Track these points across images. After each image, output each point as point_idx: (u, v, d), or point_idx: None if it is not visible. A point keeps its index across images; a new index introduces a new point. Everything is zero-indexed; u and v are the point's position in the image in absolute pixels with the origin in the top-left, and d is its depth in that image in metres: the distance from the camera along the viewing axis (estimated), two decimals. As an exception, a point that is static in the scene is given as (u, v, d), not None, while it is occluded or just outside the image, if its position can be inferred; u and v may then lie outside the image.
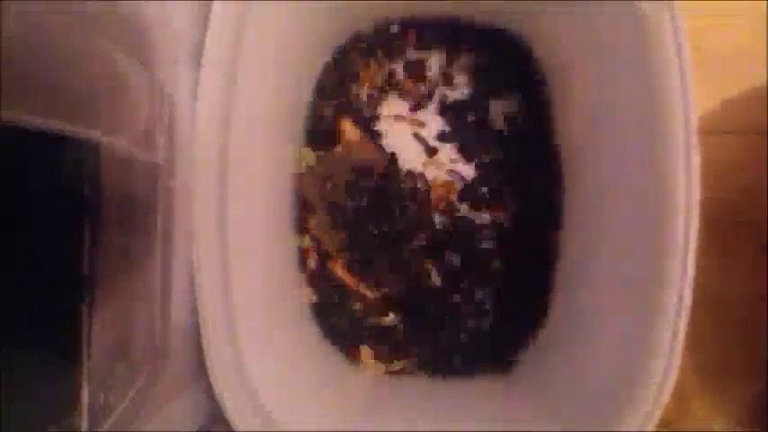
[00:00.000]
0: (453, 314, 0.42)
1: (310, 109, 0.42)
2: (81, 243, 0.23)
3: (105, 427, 0.24)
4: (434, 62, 0.43)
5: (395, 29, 0.42)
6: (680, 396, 0.30)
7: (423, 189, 0.42)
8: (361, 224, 0.42)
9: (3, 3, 0.18)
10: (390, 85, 0.42)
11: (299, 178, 0.41)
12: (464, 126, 0.42)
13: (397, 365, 0.41)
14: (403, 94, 0.42)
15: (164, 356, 0.30)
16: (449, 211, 0.42)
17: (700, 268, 0.29)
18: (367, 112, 0.42)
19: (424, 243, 0.42)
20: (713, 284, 0.32)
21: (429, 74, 0.43)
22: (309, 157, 0.41)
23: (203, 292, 0.29)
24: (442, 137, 0.42)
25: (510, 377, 0.39)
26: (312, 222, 0.41)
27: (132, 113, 0.27)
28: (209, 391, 0.29)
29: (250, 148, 0.32)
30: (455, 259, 0.42)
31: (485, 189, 0.42)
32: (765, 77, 0.42)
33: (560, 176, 0.40)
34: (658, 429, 0.29)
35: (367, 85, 0.42)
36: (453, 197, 0.42)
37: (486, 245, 0.42)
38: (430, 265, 0.42)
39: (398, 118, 0.42)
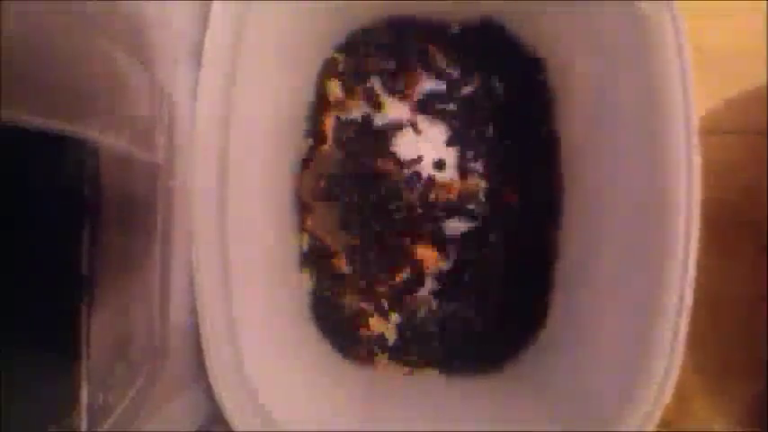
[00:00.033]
0: (453, 314, 0.42)
1: (310, 109, 0.42)
2: (81, 243, 0.23)
3: (105, 427, 0.24)
4: (434, 62, 0.43)
5: (395, 28, 0.42)
6: (680, 396, 0.30)
7: (422, 188, 0.42)
8: (360, 222, 0.42)
9: (3, 3, 0.18)
10: (390, 84, 0.42)
11: (299, 178, 0.41)
12: (463, 126, 0.42)
13: (398, 365, 0.41)
14: (403, 94, 0.42)
15: (163, 356, 0.30)
16: (449, 210, 0.42)
17: (700, 268, 0.29)
18: (367, 112, 0.42)
19: (424, 242, 0.42)
20: (713, 284, 0.32)
21: (428, 74, 0.43)
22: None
23: (203, 292, 0.29)
24: (442, 137, 0.42)
25: (510, 377, 0.39)
26: (310, 221, 0.41)
27: (132, 113, 0.27)
28: (208, 391, 0.29)
29: (250, 148, 0.32)
30: (455, 258, 0.42)
31: (484, 189, 0.42)
32: (765, 77, 0.42)
33: (560, 176, 0.40)
34: (659, 429, 0.29)
35: (367, 84, 0.42)
36: (453, 197, 0.42)
37: (485, 244, 0.42)
38: (430, 265, 0.42)
39: (398, 117, 0.42)
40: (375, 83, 0.42)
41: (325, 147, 0.42)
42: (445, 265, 0.42)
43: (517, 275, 0.41)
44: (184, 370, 0.31)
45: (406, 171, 0.42)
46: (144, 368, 0.28)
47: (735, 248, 0.43)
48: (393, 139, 0.42)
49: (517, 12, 0.40)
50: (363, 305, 0.42)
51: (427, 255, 0.42)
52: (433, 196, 0.42)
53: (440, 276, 0.42)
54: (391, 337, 0.41)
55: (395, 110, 0.42)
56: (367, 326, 0.41)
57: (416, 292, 0.42)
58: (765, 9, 0.43)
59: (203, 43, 0.29)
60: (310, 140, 0.42)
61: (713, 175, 0.30)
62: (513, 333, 0.40)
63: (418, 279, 0.42)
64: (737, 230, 0.43)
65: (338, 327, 0.41)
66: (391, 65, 0.42)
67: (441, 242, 0.42)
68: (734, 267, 0.42)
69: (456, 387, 0.39)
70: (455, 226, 0.42)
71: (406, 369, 0.41)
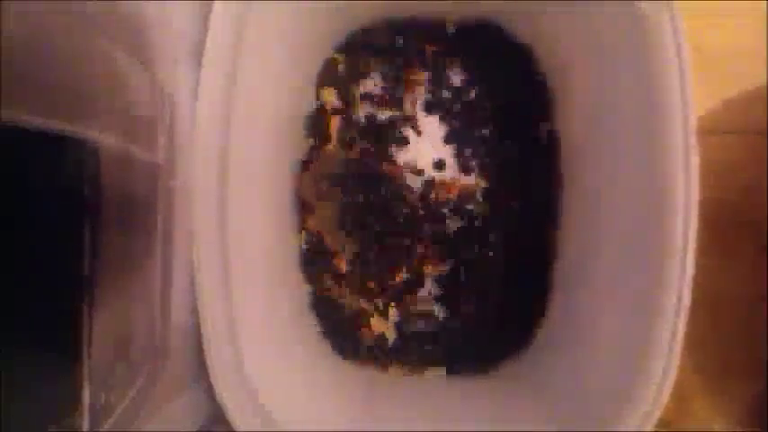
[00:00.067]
0: (453, 314, 0.42)
1: (313, 109, 0.42)
2: (81, 243, 0.23)
3: (106, 427, 0.24)
4: (434, 62, 0.43)
5: (395, 28, 0.42)
6: (680, 396, 0.30)
7: (422, 189, 0.42)
8: (361, 222, 0.42)
9: (3, 3, 0.18)
10: (390, 85, 0.42)
11: (299, 178, 0.41)
12: (463, 126, 0.42)
13: (398, 365, 0.41)
14: (402, 94, 0.42)
15: (164, 356, 0.30)
16: (448, 210, 0.42)
17: (699, 268, 0.29)
18: (367, 112, 0.42)
19: (424, 242, 0.42)
20: (713, 284, 0.32)
21: (428, 74, 0.43)
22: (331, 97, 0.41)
23: (203, 292, 0.29)
24: (442, 137, 0.42)
25: (509, 377, 0.39)
26: (311, 222, 0.41)
27: (133, 113, 0.27)
28: (209, 391, 0.29)
29: (250, 147, 0.32)
30: (454, 258, 0.42)
31: (484, 189, 0.42)
32: (765, 77, 0.42)
33: (560, 176, 0.40)
34: (658, 429, 0.29)
35: (367, 84, 0.42)
36: (453, 197, 0.42)
37: (485, 244, 0.42)
38: (430, 265, 0.42)
39: (398, 117, 0.42)
40: (375, 83, 0.42)
41: (330, 147, 0.42)
42: (445, 266, 0.42)
43: (516, 275, 0.41)
44: (185, 370, 0.31)
45: (406, 171, 0.42)
46: (145, 368, 0.28)
47: (734, 248, 0.43)
48: (393, 139, 0.42)
49: (517, 12, 0.40)
50: (363, 305, 0.42)
51: (427, 255, 0.42)
52: (433, 196, 0.42)
53: (440, 276, 0.42)
54: (391, 336, 0.42)
55: (395, 110, 0.42)
56: (367, 326, 0.41)
57: (416, 292, 0.42)
58: (765, 9, 0.43)
59: (204, 43, 0.29)
60: (311, 140, 0.42)
61: (713, 175, 0.30)
62: (512, 333, 0.40)
63: (418, 279, 0.42)
64: (737, 230, 0.43)
65: (338, 327, 0.41)
66: (391, 65, 0.42)
67: (441, 242, 0.42)
68: (733, 267, 0.42)
69: (456, 387, 0.39)
70: (455, 226, 0.42)
71: (406, 369, 0.41)
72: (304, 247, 0.41)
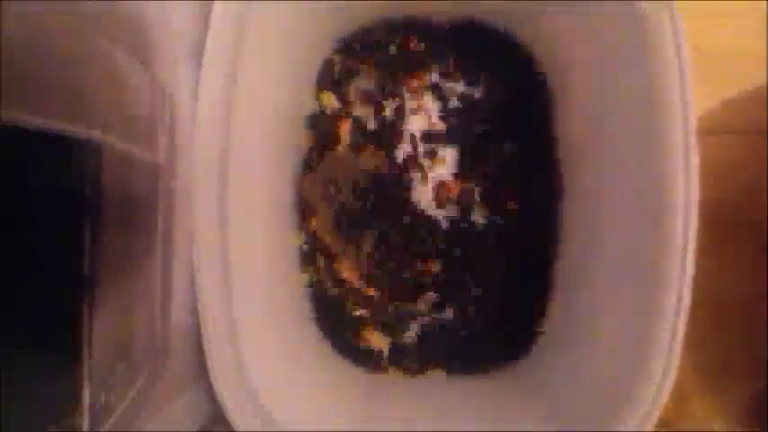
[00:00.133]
0: (453, 314, 0.42)
1: (311, 109, 0.42)
2: (82, 243, 0.23)
3: (106, 427, 0.24)
4: (433, 62, 0.43)
5: (394, 28, 0.42)
6: (679, 396, 0.30)
7: (424, 190, 0.42)
8: (364, 225, 0.42)
9: (3, 3, 0.18)
10: (390, 85, 0.42)
11: (300, 179, 0.41)
12: (464, 127, 0.42)
13: (398, 365, 0.41)
14: (402, 95, 0.42)
15: (164, 356, 0.30)
16: (449, 211, 0.42)
17: (699, 268, 0.29)
18: (367, 112, 0.42)
19: (426, 243, 0.42)
20: (713, 284, 0.32)
21: (428, 74, 0.43)
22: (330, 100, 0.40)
23: (204, 292, 0.29)
24: (442, 138, 0.42)
25: (509, 377, 0.39)
26: (314, 223, 0.41)
27: (133, 113, 0.27)
28: (209, 391, 0.29)
29: (251, 147, 0.32)
30: (456, 259, 0.42)
31: (484, 189, 0.42)
32: (765, 77, 0.42)
33: (560, 177, 0.40)
34: (658, 429, 0.29)
35: (366, 84, 0.42)
36: (454, 197, 0.42)
37: (485, 245, 0.42)
38: (431, 265, 0.42)
39: (397, 117, 0.42)
40: (374, 83, 0.42)
41: (339, 149, 0.42)
42: (445, 266, 0.42)
43: (517, 276, 0.41)
44: (185, 370, 0.31)
45: (406, 173, 0.42)
46: (145, 368, 0.28)
47: (734, 248, 0.43)
48: (393, 139, 0.42)
49: (517, 12, 0.40)
50: (363, 305, 0.42)
51: (427, 255, 0.42)
52: (433, 197, 0.42)
53: (440, 277, 0.42)
54: (391, 337, 0.41)
55: (395, 111, 0.42)
56: (367, 326, 0.41)
57: (417, 292, 0.42)
58: (765, 9, 0.43)
59: (204, 43, 0.29)
60: (312, 141, 0.42)
61: (712, 175, 0.30)
62: (513, 333, 0.40)
63: (418, 279, 0.42)
64: (737, 230, 0.43)
65: (338, 327, 0.41)
66: (391, 65, 0.42)
67: (441, 242, 0.42)
68: (733, 267, 0.42)
69: (456, 387, 0.39)
70: (455, 226, 0.42)
71: (407, 369, 0.41)
72: (304, 247, 0.41)
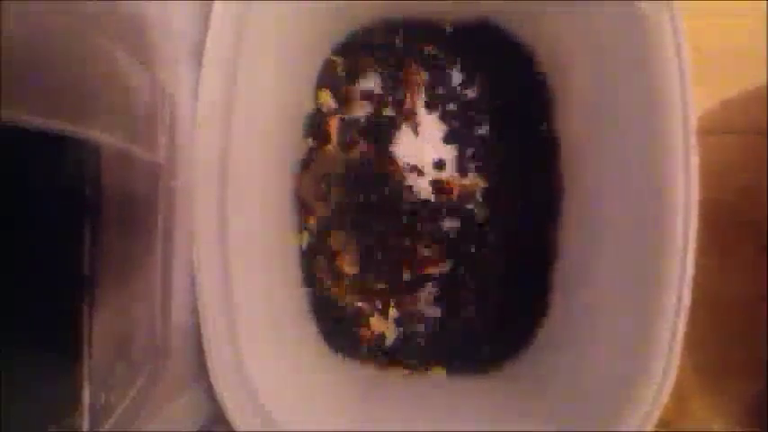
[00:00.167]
0: (453, 314, 0.42)
1: (311, 109, 0.42)
2: (82, 243, 0.23)
3: (106, 427, 0.24)
4: (433, 62, 0.43)
5: (394, 28, 0.42)
6: (679, 396, 0.30)
7: (423, 188, 0.42)
8: (361, 223, 0.42)
9: (3, 3, 0.18)
10: (389, 85, 0.42)
11: (299, 178, 0.41)
12: (463, 126, 0.42)
13: (398, 365, 0.41)
14: (402, 94, 0.42)
15: (164, 356, 0.30)
16: (449, 210, 0.42)
17: (699, 268, 0.29)
18: (366, 112, 0.42)
19: (424, 242, 0.42)
20: (713, 284, 0.32)
21: (428, 74, 0.43)
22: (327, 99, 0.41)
23: (204, 292, 0.29)
24: (442, 138, 0.42)
25: (509, 377, 0.39)
26: (312, 222, 0.41)
27: (133, 113, 0.27)
28: (209, 391, 0.29)
29: (251, 147, 0.32)
30: (455, 258, 0.42)
31: (484, 189, 0.42)
32: (765, 77, 0.42)
33: (560, 176, 0.40)
34: (657, 429, 0.29)
35: (366, 84, 0.42)
36: (453, 197, 0.42)
37: (485, 244, 0.42)
38: (430, 265, 0.42)
39: (397, 117, 0.42)
40: (374, 83, 0.42)
41: (329, 147, 0.42)
42: (445, 266, 0.42)
43: (517, 276, 0.41)
44: (185, 370, 0.31)
45: (406, 172, 0.42)
46: (145, 368, 0.28)
47: (734, 248, 0.43)
48: (393, 140, 0.42)
49: (517, 12, 0.40)
50: (363, 305, 0.42)
51: (427, 255, 0.42)
52: (433, 196, 0.42)
53: (440, 276, 0.42)
54: (391, 336, 0.42)
55: (395, 111, 0.42)
56: (367, 326, 0.41)
57: (416, 292, 0.42)
58: (765, 9, 0.43)
59: (204, 43, 0.29)
60: (310, 140, 0.42)
61: (712, 175, 0.30)
62: (512, 333, 0.40)
63: (418, 279, 0.42)
64: (737, 230, 0.43)
65: (338, 327, 0.41)
66: (390, 65, 0.42)
67: (441, 242, 0.42)
68: (733, 267, 0.42)
69: (456, 387, 0.39)
70: (455, 226, 0.42)
71: (406, 369, 0.41)
72: (304, 247, 0.41)
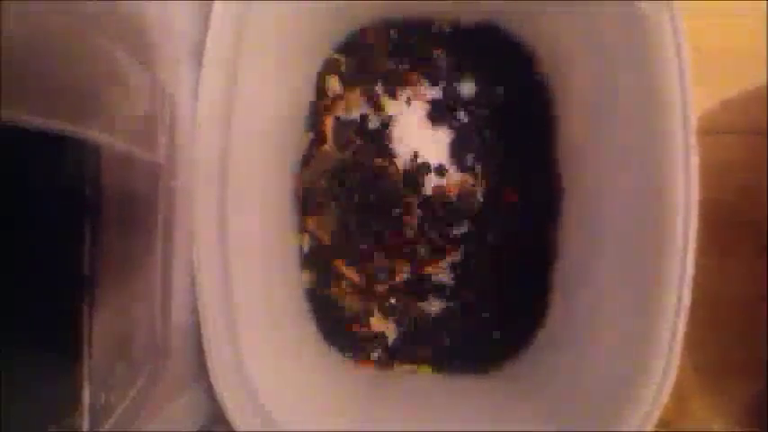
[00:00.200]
0: (453, 314, 0.42)
1: (311, 108, 0.42)
2: (82, 243, 0.23)
3: (106, 427, 0.24)
4: (434, 63, 0.43)
5: (395, 28, 0.42)
6: (679, 396, 0.30)
7: (422, 188, 0.42)
8: (360, 222, 0.42)
9: (3, 3, 0.18)
10: (390, 85, 0.42)
11: (298, 178, 0.41)
12: (463, 126, 0.42)
13: (398, 365, 0.41)
14: (401, 94, 0.42)
15: (165, 356, 0.30)
16: (448, 210, 0.42)
17: (699, 268, 0.29)
18: (366, 112, 0.42)
19: (424, 242, 0.42)
20: (712, 284, 0.32)
21: (428, 74, 0.43)
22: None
23: (204, 291, 0.29)
24: (442, 138, 0.42)
25: (509, 377, 0.39)
26: (311, 222, 0.41)
27: (133, 113, 0.27)
28: (209, 391, 0.29)
29: (250, 147, 0.32)
30: (455, 258, 0.42)
31: (484, 189, 0.42)
32: (765, 77, 0.42)
33: (560, 176, 0.40)
34: (657, 429, 0.29)
35: (366, 84, 0.42)
36: (453, 197, 0.42)
37: (485, 245, 0.42)
38: (430, 265, 0.42)
39: (397, 116, 0.42)
40: (375, 83, 0.42)
41: (325, 147, 0.42)
42: (445, 265, 0.42)
43: (517, 276, 0.41)
44: (186, 370, 0.31)
45: (405, 171, 0.42)
46: (145, 368, 0.28)
47: (734, 248, 0.43)
48: (392, 139, 0.42)
49: (517, 12, 0.40)
50: (363, 305, 0.42)
51: (427, 255, 0.42)
52: (432, 196, 0.42)
53: (440, 276, 0.42)
54: (391, 336, 0.42)
55: (394, 110, 0.42)
56: (367, 326, 0.41)
57: (416, 291, 0.42)
58: (765, 9, 0.43)
59: (204, 43, 0.29)
60: (311, 135, 0.42)
61: (712, 175, 0.30)
62: (512, 333, 0.40)
63: (418, 279, 0.42)
64: (737, 230, 0.43)
65: (338, 327, 0.41)
66: (391, 65, 0.42)
67: (440, 242, 0.42)
68: (733, 267, 0.42)
69: (456, 387, 0.39)
70: (455, 226, 0.42)
71: (406, 369, 0.41)
72: (304, 247, 0.41)
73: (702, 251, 0.29)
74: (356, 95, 0.42)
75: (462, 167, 0.42)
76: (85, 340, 0.23)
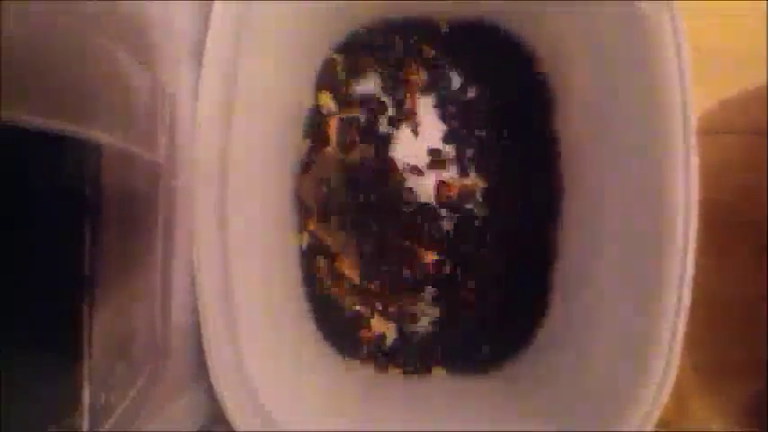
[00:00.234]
0: (453, 313, 0.42)
1: (313, 110, 0.42)
2: (82, 243, 0.23)
3: (106, 427, 0.24)
4: (433, 62, 0.43)
5: (394, 28, 0.42)
6: (679, 396, 0.30)
7: (422, 188, 0.42)
8: (361, 223, 0.42)
9: (3, 3, 0.18)
10: (389, 84, 0.42)
11: (299, 178, 0.41)
12: (463, 126, 0.42)
13: (398, 365, 0.41)
14: (401, 95, 0.42)
15: (165, 356, 0.30)
16: (448, 210, 0.42)
17: (699, 268, 0.29)
18: (365, 112, 0.42)
19: (424, 243, 0.42)
20: (712, 284, 0.32)
21: (428, 74, 0.43)
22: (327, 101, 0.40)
23: (203, 292, 0.29)
24: (442, 138, 0.42)
25: (509, 377, 0.39)
26: (312, 223, 0.41)
27: (134, 113, 0.27)
28: (209, 391, 0.29)
29: (250, 147, 0.32)
30: (454, 258, 0.42)
31: (484, 189, 0.42)
32: (765, 77, 0.42)
33: (560, 176, 0.40)
34: (657, 429, 0.29)
35: (366, 84, 0.42)
36: (453, 197, 0.42)
37: (485, 245, 0.42)
38: (430, 265, 0.42)
39: (397, 117, 0.42)
40: (374, 83, 0.42)
41: (329, 149, 0.42)
42: (445, 266, 0.42)
43: (517, 276, 0.41)
44: (186, 370, 0.31)
45: (406, 172, 0.42)
46: (145, 368, 0.28)
47: (733, 248, 0.43)
48: (393, 140, 0.42)
49: (517, 12, 0.40)
50: (363, 305, 0.42)
51: (427, 255, 0.42)
52: (433, 197, 0.42)
53: (440, 276, 0.42)
54: (391, 337, 0.42)
55: (394, 111, 0.42)
56: (367, 326, 0.41)
57: (416, 292, 0.42)
58: (765, 9, 0.43)
59: (204, 43, 0.29)
60: (309, 141, 0.42)
61: (711, 175, 0.30)
62: (512, 333, 0.40)
63: (418, 279, 0.42)
64: (737, 230, 0.43)
65: (338, 327, 0.41)
66: (390, 65, 0.42)
67: (441, 242, 0.42)
68: (733, 267, 0.42)
69: (456, 387, 0.39)
70: (455, 226, 0.42)
71: (406, 369, 0.41)
72: (304, 247, 0.41)
73: (701, 251, 0.29)
74: (352, 104, 0.42)
75: (462, 167, 0.42)
76: (85, 340, 0.23)
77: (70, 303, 0.23)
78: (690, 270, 0.29)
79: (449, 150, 0.42)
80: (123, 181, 0.26)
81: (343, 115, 0.42)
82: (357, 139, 0.42)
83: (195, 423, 0.32)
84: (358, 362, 0.41)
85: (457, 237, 0.42)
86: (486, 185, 0.42)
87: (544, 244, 0.40)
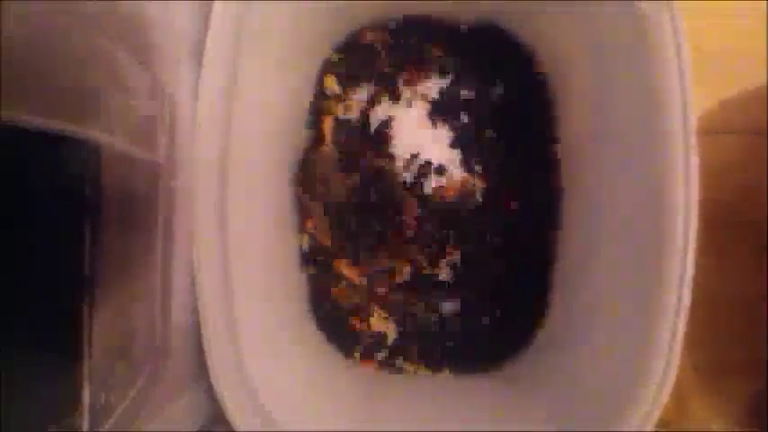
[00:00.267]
0: (453, 313, 0.42)
1: (310, 108, 0.42)
2: (82, 243, 0.23)
3: (106, 427, 0.24)
4: (433, 62, 0.43)
5: (394, 29, 0.42)
6: (679, 396, 0.30)
7: (422, 188, 0.42)
8: (360, 222, 0.42)
9: (3, 3, 0.18)
10: (389, 84, 0.42)
11: (298, 178, 0.41)
12: (463, 126, 0.42)
13: (398, 365, 0.41)
14: (401, 95, 0.42)
15: (164, 356, 0.30)
16: (448, 210, 0.42)
17: (698, 268, 0.29)
18: (366, 112, 0.42)
19: (424, 242, 0.42)
20: (712, 284, 0.32)
21: (428, 74, 0.43)
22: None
23: (204, 291, 0.29)
24: (442, 138, 0.42)
25: (509, 377, 0.39)
26: (310, 223, 0.41)
27: (134, 113, 0.27)
28: (209, 391, 0.29)
29: (250, 147, 0.32)
30: (455, 258, 0.42)
31: (484, 189, 0.42)
32: (765, 77, 0.42)
33: (559, 177, 0.40)
34: (657, 429, 0.29)
35: (366, 84, 0.42)
36: (453, 197, 0.42)
37: (485, 244, 0.42)
38: (430, 265, 0.42)
39: (397, 117, 0.42)
40: (374, 83, 0.42)
41: (325, 147, 0.42)
42: (445, 265, 0.42)
43: (516, 276, 0.41)
44: (186, 370, 0.31)
45: (405, 171, 0.42)
46: (145, 368, 0.28)
47: (733, 248, 0.43)
48: (392, 139, 0.42)
49: (517, 12, 0.40)
50: (363, 305, 0.42)
51: (427, 255, 0.42)
52: (432, 196, 0.42)
53: (440, 276, 0.42)
54: (391, 336, 0.42)
55: (394, 111, 0.42)
56: (367, 326, 0.41)
57: (416, 291, 0.42)
58: (765, 9, 0.43)
59: (204, 43, 0.29)
60: (309, 136, 0.42)
61: (711, 175, 0.30)
62: (512, 333, 0.40)
63: (418, 279, 0.42)
64: (737, 230, 0.43)
65: (338, 326, 0.41)
66: (391, 65, 0.42)
67: (440, 242, 0.42)
68: (733, 267, 0.42)
69: (456, 387, 0.39)
70: (455, 226, 0.42)
71: (406, 369, 0.41)
72: (304, 247, 0.41)
73: (701, 251, 0.29)
74: (354, 92, 0.42)
75: (462, 167, 0.42)
76: (85, 340, 0.23)
77: (70, 303, 0.23)
78: (690, 270, 0.29)
79: (449, 150, 0.42)
80: (123, 181, 0.26)
81: (339, 115, 0.42)
82: (354, 138, 0.42)
83: (195, 423, 0.32)
84: (358, 362, 0.41)
85: (457, 237, 0.42)
86: (486, 185, 0.42)
87: (544, 244, 0.40)
